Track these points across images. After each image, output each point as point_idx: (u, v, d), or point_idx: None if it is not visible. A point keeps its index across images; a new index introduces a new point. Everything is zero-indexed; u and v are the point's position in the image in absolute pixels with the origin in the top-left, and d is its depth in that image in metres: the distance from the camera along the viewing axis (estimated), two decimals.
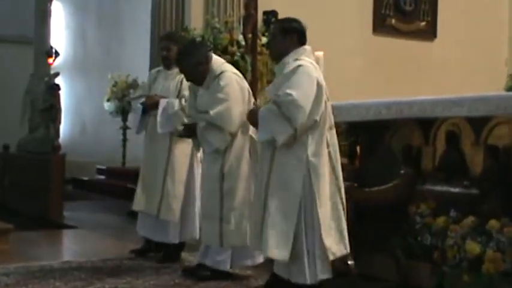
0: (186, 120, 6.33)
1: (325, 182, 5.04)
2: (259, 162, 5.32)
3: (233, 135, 5.82)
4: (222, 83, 5.86)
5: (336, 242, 5.04)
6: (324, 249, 4.97)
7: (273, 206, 4.98)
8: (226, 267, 5.94)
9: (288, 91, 4.89)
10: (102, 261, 6.70)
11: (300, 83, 4.94)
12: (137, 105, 6.83)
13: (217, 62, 6.08)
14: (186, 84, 6.54)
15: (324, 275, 5.03)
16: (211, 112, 5.79)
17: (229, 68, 6.07)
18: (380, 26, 12.02)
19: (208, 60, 5.99)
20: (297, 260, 4.98)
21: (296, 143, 4.97)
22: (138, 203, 6.80)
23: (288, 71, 5.03)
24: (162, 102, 6.58)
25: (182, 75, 6.63)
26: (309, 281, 4.98)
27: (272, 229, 4.96)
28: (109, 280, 5.91)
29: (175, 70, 6.70)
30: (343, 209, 5.13)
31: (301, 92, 4.90)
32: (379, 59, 11.84)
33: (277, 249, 4.94)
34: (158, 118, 6.54)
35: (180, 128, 6.27)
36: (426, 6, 12.56)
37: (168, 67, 6.84)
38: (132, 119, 6.97)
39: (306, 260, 4.97)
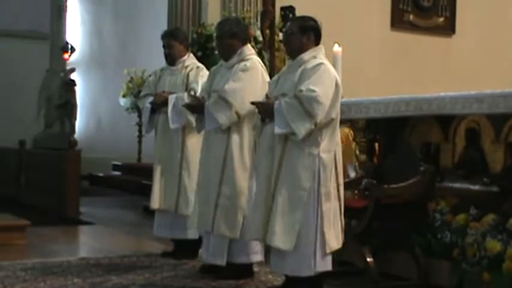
0: None
1: (331, 178, 5.11)
2: (263, 154, 5.27)
3: (240, 118, 5.76)
4: (247, 64, 5.86)
5: (334, 237, 5.10)
6: (324, 243, 5.04)
7: (281, 198, 5.02)
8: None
9: (311, 87, 4.93)
10: (120, 258, 6.70)
11: (322, 81, 4.99)
12: (145, 105, 6.81)
13: (250, 49, 6.06)
14: (193, 77, 6.61)
15: (323, 268, 5.09)
16: (226, 86, 5.77)
17: (258, 59, 6.05)
18: (398, 21, 11.96)
19: (244, 40, 5.99)
20: (298, 253, 5.02)
21: (308, 138, 5.00)
22: (156, 201, 6.75)
23: (309, 67, 5.07)
24: (171, 98, 6.57)
25: (188, 70, 6.73)
26: (307, 273, 5.03)
27: (279, 220, 5.01)
28: (127, 276, 5.90)
29: (180, 65, 6.77)
30: (340, 206, 5.18)
31: (323, 89, 4.95)
32: (397, 55, 11.79)
33: (283, 239, 5.00)
34: (169, 114, 6.52)
35: (190, 99, 6.22)
36: (444, 2, 12.49)
37: (171, 63, 6.85)
38: (143, 118, 6.92)
39: (307, 252, 5.02)
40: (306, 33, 5.23)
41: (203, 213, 5.90)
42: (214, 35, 6.19)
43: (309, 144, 5.02)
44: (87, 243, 8.21)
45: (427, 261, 5.54)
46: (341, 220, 5.16)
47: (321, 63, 5.07)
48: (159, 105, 6.67)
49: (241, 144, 5.82)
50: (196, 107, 6.01)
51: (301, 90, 4.96)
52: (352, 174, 6.88)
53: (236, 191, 5.78)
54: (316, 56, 5.17)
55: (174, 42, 6.81)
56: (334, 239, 5.10)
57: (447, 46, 12.54)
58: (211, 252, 5.90)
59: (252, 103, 5.29)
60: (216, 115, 5.75)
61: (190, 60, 6.90)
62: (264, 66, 6.05)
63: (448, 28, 12.68)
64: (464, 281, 5.13)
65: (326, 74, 5.04)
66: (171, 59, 6.83)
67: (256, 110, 5.32)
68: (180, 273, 6.06)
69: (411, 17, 12.09)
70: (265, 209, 5.10)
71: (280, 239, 4.99)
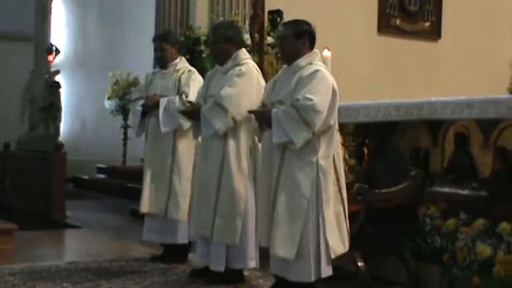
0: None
1: (330, 183, 5.10)
2: (263, 162, 5.29)
3: (236, 124, 5.72)
4: (243, 69, 5.84)
5: (337, 241, 5.09)
6: (327, 248, 5.03)
7: (282, 206, 5.01)
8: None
9: (308, 95, 4.92)
10: (109, 262, 6.66)
11: (319, 89, 4.98)
12: (136, 108, 6.78)
13: (246, 53, 6.03)
14: (185, 80, 6.58)
15: (327, 273, 5.09)
16: (222, 92, 5.75)
17: (253, 63, 6.04)
18: (385, 26, 12.01)
19: (238, 44, 5.98)
20: (301, 259, 5.01)
21: (307, 146, 4.99)
22: (145, 204, 6.71)
23: (305, 75, 5.06)
24: (163, 101, 6.54)
25: (180, 74, 6.69)
26: (313, 279, 5.03)
27: (280, 228, 5.01)
28: (117, 281, 5.88)
29: (171, 69, 6.76)
30: (344, 209, 5.17)
31: (320, 97, 4.94)
32: (384, 59, 11.82)
33: (284, 248, 4.99)
34: (160, 117, 6.49)
35: (186, 105, 6.20)
36: (431, 7, 12.56)
37: (163, 67, 6.83)
38: (132, 122, 6.88)
39: (311, 258, 5.01)
40: (301, 37, 5.20)
41: (202, 220, 5.87)
42: (208, 39, 6.20)
43: (308, 152, 5.01)
44: (75, 247, 8.16)
45: (418, 265, 5.57)
46: (346, 223, 5.16)
47: (317, 70, 5.04)
48: (151, 107, 6.64)
49: (238, 150, 5.79)
50: (192, 112, 5.99)
51: (297, 99, 4.95)
52: None
53: (234, 197, 5.74)
54: (312, 62, 5.15)
55: (166, 45, 6.80)
56: (340, 244, 5.10)
57: (433, 50, 12.59)
58: (210, 259, 5.88)
59: (249, 112, 5.26)
60: (212, 121, 5.73)
61: (182, 63, 6.87)
62: (259, 70, 6.03)
63: (434, 32, 12.75)
64: (454, 285, 5.16)
65: (323, 81, 5.02)
66: (163, 62, 6.81)
67: (253, 117, 5.32)
68: (170, 278, 6.04)
69: (398, 21, 12.14)
70: (268, 218, 5.11)
71: (282, 248, 4.99)
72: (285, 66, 5.39)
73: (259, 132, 5.42)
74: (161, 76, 6.84)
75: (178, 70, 6.77)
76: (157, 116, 6.59)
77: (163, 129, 6.51)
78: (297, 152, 4.99)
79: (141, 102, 6.77)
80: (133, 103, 6.98)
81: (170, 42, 6.86)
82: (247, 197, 5.77)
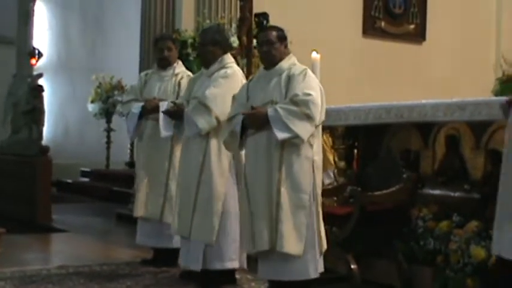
0: None
1: (321, 178, 5.29)
2: (253, 165, 5.24)
3: (219, 124, 5.74)
4: (228, 71, 5.94)
5: (324, 236, 5.22)
6: (321, 244, 5.16)
7: (286, 205, 5.06)
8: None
9: (307, 91, 5.07)
10: (99, 266, 6.64)
11: (313, 86, 5.16)
12: (132, 111, 6.66)
13: (231, 58, 6.12)
14: (184, 85, 6.52)
15: (321, 268, 5.20)
16: (207, 92, 5.82)
17: (238, 68, 6.13)
18: (370, 28, 12.03)
19: (224, 49, 6.06)
20: (304, 256, 5.08)
21: (303, 142, 5.08)
22: (140, 209, 6.66)
23: (297, 73, 5.19)
24: (162, 105, 6.47)
25: (179, 78, 6.67)
26: (313, 276, 5.11)
27: (287, 227, 5.05)
28: (108, 285, 5.86)
29: (170, 72, 6.71)
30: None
31: (315, 93, 5.10)
32: (369, 62, 11.84)
33: (293, 245, 5.04)
34: (161, 122, 6.37)
35: (170, 105, 6.19)
36: (415, 9, 12.59)
37: (164, 67, 6.77)
38: (128, 124, 6.72)
39: (312, 255, 5.11)
40: (284, 41, 5.35)
41: (182, 218, 5.90)
42: (196, 41, 6.21)
43: (305, 148, 5.11)
44: (63, 251, 8.08)
45: (410, 267, 5.56)
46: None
47: (306, 69, 5.23)
48: (149, 111, 6.57)
49: (219, 150, 5.82)
50: (176, 113, 6.04)
51: (297, 95, 5.05)
52: (327, 181, 6.90)
53: (212, 196, 5.78)
54: (295, 63, 5.31)
55: (172, 45, 6.79)
56: (325, 239, 5.23)
57: (418, 53, 12.63)
58: (188, 258, 5.89)
59: (243, 114, 5.24)
60: (195, 120, 5.77)
61: (180, 67, 6.85)
62: (243, 75, 6.08)
63: (419, 35, 12.78)
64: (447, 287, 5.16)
65: (312, 79, 5.21)
66: (167, 63, 6.76)
67: (236, 121, 5.28)
68: (161, 281, 6.04)
69: (383, 24, 12.16)
70: (269, 218, 5.10)
71: (291, 246, 5.03)
72: (261, 72, 5.45)
73: (236, 140, 5.37)
74: (158, 78, 6.79)
75: (177, 74, 6.74)
76: (155, 119, 6.52)
77: (163, 134, 6.37)
78: (295, 149, 5.07)
79: (136, 104, 6.68)
80: (126, 105, 6.84)
81: (176, 43, 6.88)
82: (227, 197, 5.81)
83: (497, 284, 4.89)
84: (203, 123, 5.75)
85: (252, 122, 5.23)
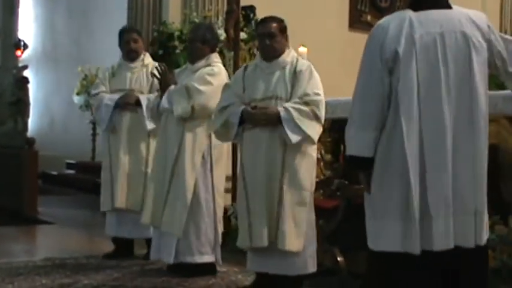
0: None
1: None
2: (254, 161, 5.22)
3: (192, 113, 5.84)
4: (215, 69, 6.03)
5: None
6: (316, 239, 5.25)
7: (289, 203, 5.09)
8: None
9: (316, 91, 5.12)
10: (86, 258, 6.65)
11: (319, 84, 5.20)
12: (105, 103, 6.65)
13: (218, 57, 6.21)
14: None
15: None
16: (195, 83, 5.88)
17: (223, 68, 6.20)
18: (356, 22, 12.02)
19: (212, 48, 6.15)
20: (304, 252, 5.15)
21: (314, 144, 5.20)
22: (120, 201, 6.64)
23: (303, 69, 5.17)
24: (143, 99, 6.57)
25: (150, 68, 6.67)
26: (310, 270, 5.19)
27: (289, 223, 5.08)
28: (96, 277, 5.86)
29: (139, 63, 6.80)
30: None
31: (322, 92, 5.16)
32: (355, 55, 11.78)
33: (294, 243, 5.09)
34: (145, 115, 6.49)
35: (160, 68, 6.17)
36: (401, 3, 12.59)
37: (133, 59, 6.79)
38: (101, 115, 6.63)
39: (312, 250, 5.21)
40: (285, 33, 5.30)
41: (155, 209, 5.98)
42: (185, 35, 6.24)
43: (308, 146, 5.17)
44: (49, 243, 8.08)
45: None
46: None
47: (310, 65, 5.20)
48: (130, 104, 6.61)
49: (193, 145, 5.90)
50: (164, 82, 6.03)
51: (308, 94, 5.07)
52: None
53: (183, 189, 5.85)
54: (297, 56, 5.29)
55: (138, 37, 6.86)
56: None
57: None
58: (161, 250, 5.96)
59: (253, 108, 5.19)
60: (173, 100, 5.87)
61: (147, 58, 6.92)
62: (227, 75, 6.17)
63: None
64: None
65: (317, 76, 5.21)
66: (136, 54, 6.79)
67: (232, 112, 5.27)
68: (148, 273, 6.05)
69: (369, 17, 12.15)
70: (269, 215, 5.11)
71: (292, 243, 5.07)
72: (260, 62, 5.36)
73: (235, 132, 5.33)
74: (127, 69, 6.80)
75: (147, 65, 6.79)
76: (132, 111, 6.60)
77: (149, 126, 6.48)
78: (298, 147, 5.11)
79: (108, 96, 6.68)
80: (96, 97, 6.81)
81: (141, 35, 7.02)
82: (199, 192, 5.87)
83: None
84: (179, 108, 5.85)
85: (260, 120, 5.14)
